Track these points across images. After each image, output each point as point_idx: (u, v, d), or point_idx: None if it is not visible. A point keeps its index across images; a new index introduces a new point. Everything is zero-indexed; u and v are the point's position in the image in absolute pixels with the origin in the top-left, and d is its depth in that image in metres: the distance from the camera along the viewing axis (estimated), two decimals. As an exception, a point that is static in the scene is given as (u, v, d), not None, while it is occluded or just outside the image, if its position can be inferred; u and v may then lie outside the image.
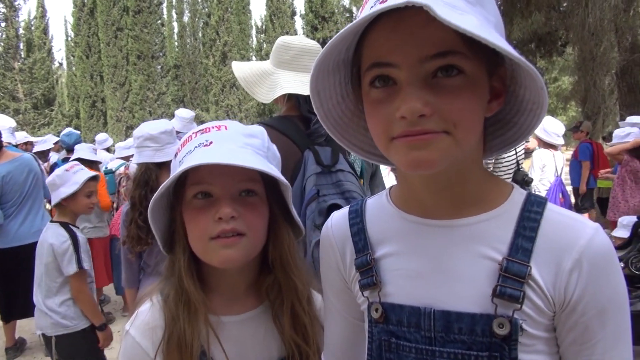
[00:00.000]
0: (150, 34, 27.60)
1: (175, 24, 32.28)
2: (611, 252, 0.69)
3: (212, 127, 0.93)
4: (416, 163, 0.65)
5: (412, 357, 0.73)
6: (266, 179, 0.95)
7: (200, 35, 29.86)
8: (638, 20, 9.01)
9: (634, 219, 4.06)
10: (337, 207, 1.82)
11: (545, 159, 4.95)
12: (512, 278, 0.68)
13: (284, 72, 1.88)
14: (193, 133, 0.94)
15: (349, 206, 0.86)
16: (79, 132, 6.54)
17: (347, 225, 0.83)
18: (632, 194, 4.95)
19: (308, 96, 1.84)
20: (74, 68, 30.42)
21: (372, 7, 0.62)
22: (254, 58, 30.55)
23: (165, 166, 2.45)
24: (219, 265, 0.92)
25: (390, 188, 0.84)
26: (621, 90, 9.28)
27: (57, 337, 2.66)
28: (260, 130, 0.98)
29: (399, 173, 0.79)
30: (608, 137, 7.37)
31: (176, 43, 31.80)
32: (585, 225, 0.69)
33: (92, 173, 2.87)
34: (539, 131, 4.95)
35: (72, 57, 30.46)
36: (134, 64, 27.14)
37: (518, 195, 0.74)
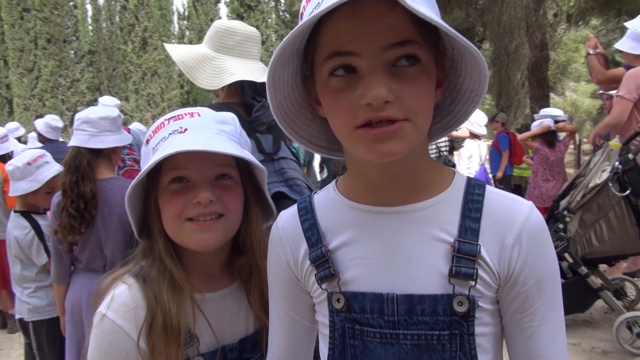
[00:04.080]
0: (62, 16, 25.70)
1: (89, 7, 30.30)
2: (545, 226, 0.76)
3: (185, 114, 0.94)
4: (382, 153, 0.67)
5: (377, 342, 0.75)
6: (240, 164, 0.97)
7: (117, 19, 28.22)
8: (546, 19, 9.73)
9: None
10: (281, 194, 1.82)
11: (472, 149, 5.24)
12: (465, 258, 0.72)
13: (228, 57, 1.83)
14: (165, 120, 0.95)
15: (296, 204, 0.87)
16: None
17: (297, 222, 0.84)
18: (545, 179, 5.36)
19: (253, 82, 1.83)
20: (-28, 51, 27.69)
21: None
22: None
23: (102, 154, 2.32)
24: (196, 249, 0.93)
25: (336, 181, 0.86)
26: (531, 85, 10.00)
27: (34, 323, 2.68)
28: (232, 117, 0.99)
29: (352, 164, 0.80)
30: (522, 129, 7.92)
31: (90, 27, 29.87)
32: (521, 204, 0.76)
33: (57, 170, 2.69)
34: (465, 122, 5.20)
35: (-31, 39, 27.69)
36: (44, 49, 25.13)
37: (460, 180, 0.79)
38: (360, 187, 0.80)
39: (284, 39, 0.66)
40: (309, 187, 1.91)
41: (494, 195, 0.77)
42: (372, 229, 0.78)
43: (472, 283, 0.72)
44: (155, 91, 25.83)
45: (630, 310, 3.18)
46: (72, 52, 26.88)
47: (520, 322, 0.76)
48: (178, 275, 0.92)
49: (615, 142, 3.12)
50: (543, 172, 5.42)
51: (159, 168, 0.93)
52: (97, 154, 2.30)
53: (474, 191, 0.76)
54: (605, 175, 3.02)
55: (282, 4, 24.03)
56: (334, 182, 0.86)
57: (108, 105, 4.92)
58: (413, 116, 0.66)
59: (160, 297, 0.90)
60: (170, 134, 0.91)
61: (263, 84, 1.89)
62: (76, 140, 2.28)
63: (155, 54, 25.61)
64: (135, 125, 6.77)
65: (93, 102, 27.34)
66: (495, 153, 7.28)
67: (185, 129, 0.91)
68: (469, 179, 0.79)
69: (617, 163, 2.99)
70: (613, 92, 4.92)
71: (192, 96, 27.14)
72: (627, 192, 2.96)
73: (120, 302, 0.90)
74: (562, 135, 5.65)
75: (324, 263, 0.79)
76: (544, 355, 0.75)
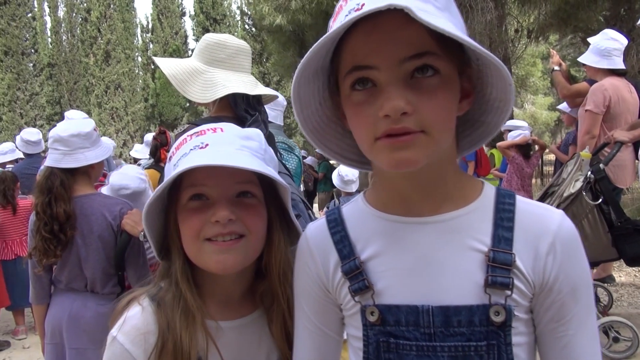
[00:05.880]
0: (20, 28, 24.97)
1: (48, 19, 29.50)
2: (577, 234, 0.76)
3: (208, 130, 0.91)
4: (399, 162, 0.68)
5: (414, 354, 0.74)
6: (264, 183, 0.93)
7: (78, 31, 27.58)
8: (507, 35, 10.09)
9: None
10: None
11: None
12: (500, 267, 0.72)
13: (220, 70, 1.81)
14: (188, 136, 0.91)
15: (324, 216, 0.86)
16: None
17: (327, 235, 0.83)
18: (517, 188, 5.51)
19: (245, 95, 1.81)
20: None
21: (346, 15, 0.64)
22: (139, 58, 28.98)
23: (79, 171, 2.20)
24: (215, 271, 0.88)
25: (364, 192, 0.86)
26: (495, 98, 10.29)
27: None
28: (257, 133, 0.96)
29: (380, 175, 0.81)
30: (490, 141, 8.13)
31: (50, 39, 29.07)
32: (553, 213, 0.76)
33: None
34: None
35: None
36: (1, 61, 24.32)
37: (489, 190, 0.79)
38: (389, 198, 0.80)
39: (304, 58, 0.66)
40: (303, 201, 1.90)
41: (525, 205, 0.77)
42: (403, 240, 0.77)
43: (509, 292, 0.72)
44: (119, 104, 25.32)
45: (605, 315, 3.27)
46: (31, 64, 26.09)
47: (555, 331, 0.75)
48: (191, 301, 0.87)
49: (585, 153, 3.23)
50: (517, 181, 5.56)
51: (178, 185, 0.89)
52: (73, 171, 2.19)
53: (504, 200, 0.76)
54: (579, 184, 3.12)
55: (248, 18, 24.08)
56: (362, 193, 0.86)
57: (69, 119, 4.76)
58: (430, 128, 0.67)
59: (172, 324, 0.86)
60: (191, 149, 0.88)
61: (255, 97, 1.88)
62: (49, 160, 2.18)
63: (119, 66, 25.16)
64: (103, 140, 6.61)
65: (53, 115, 26.57)
66: (461, 163, 7.47)
67: (207, 145, 0.87)
68: (497, 189, 0.79)
69: (589, 173, 3.10)
70: (564, 108, 5.14)
71: (157, 110, 26.69)
72: (599, 200, 3.07)
73: (132, 325, 0.87)
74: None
75: (357, 275, 0.78)
76: None
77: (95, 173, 2.33)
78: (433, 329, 0.73)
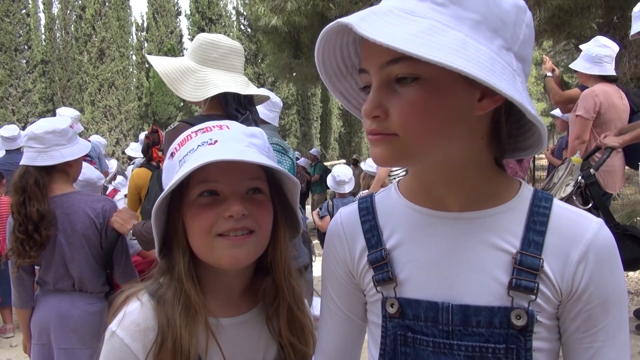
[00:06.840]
0: (13, 25, 24.75)
1: (42, 15, 29.30)
2: (614, 246, 0.73)
3: (214, 127, 0.91)
4: (375, 157, 0.72)
5: (430, 350, 0.74)
6: (269, 179, 0.94)
7: (72, 29, 27.42)
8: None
9: None
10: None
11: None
12: (526, 271, 0.70)
13: (212, 70, 1.82)
14: (193, 132, 0.91)
15: (357, 203, 0.87)
16: None
17: (357, 222, 0.84)
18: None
19: (236, 94, 1.81)
20: None
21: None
22: (134, 57, 28.88)
23: (55, 170, 2.15)
24: (226, 266, 0.89)
25: (399, 181, 0.85)
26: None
27: None
28: (260, 132, 0.97)
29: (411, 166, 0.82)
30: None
31: (43, 36, 28.88)
32: (591, 220, 0.73)
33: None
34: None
35: None
36: (-7, 57, 24.13)
37: (526, 191, 0.76)
38: (419, 189, 0.80)
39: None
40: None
41: (562, 210, 0.75)
42: (429, 233, 0.77)
43: (532, 297, 0.70)
44: (112, 103, 25.15)
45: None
46: (24, 61, 25.87)
47: (581, 341, 0.73)
48: (195, 299, 0.87)
49: (576, 158, 3.26)
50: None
51: (186, 182, 0.88)
52: (49, 170, 2.13)
53: (540, 203, 0.74)
54: (569, 189, 3.14)
55: (244, 18, 24.07)
56: (396, 182, 0.85)
57: (60, 116, 4.73)
58: (401, 132, 0.68)
59: (172, 321, 0.86)
60: (199, 145, 0.87)
61: (247, 97, 1.89)
62: (25, 159, 2.13)
63: (113, 65, 25.01)
64: (95, 138, 6.59)
65: (46, 113, 26.34)
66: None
67: (215, 141, 0.87)
68: (535, 191, 0.77)
69: (579, 178, 3.12)
70: (557, 113, 5.16)
71: (151, 108, 26.59)
72: (589, 205, 3.09)
73: (131, 320, 0.87)
74: None
75: (382, 266, 0.78)
76: None
77: (73, 171, 2.27)
78: (451, 326, 0.73)
